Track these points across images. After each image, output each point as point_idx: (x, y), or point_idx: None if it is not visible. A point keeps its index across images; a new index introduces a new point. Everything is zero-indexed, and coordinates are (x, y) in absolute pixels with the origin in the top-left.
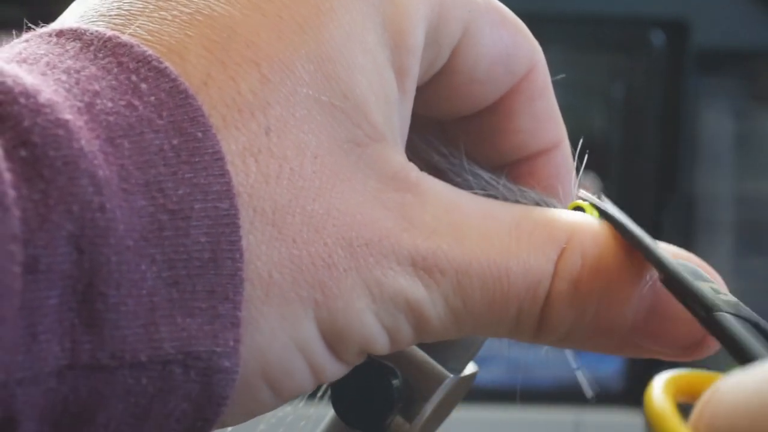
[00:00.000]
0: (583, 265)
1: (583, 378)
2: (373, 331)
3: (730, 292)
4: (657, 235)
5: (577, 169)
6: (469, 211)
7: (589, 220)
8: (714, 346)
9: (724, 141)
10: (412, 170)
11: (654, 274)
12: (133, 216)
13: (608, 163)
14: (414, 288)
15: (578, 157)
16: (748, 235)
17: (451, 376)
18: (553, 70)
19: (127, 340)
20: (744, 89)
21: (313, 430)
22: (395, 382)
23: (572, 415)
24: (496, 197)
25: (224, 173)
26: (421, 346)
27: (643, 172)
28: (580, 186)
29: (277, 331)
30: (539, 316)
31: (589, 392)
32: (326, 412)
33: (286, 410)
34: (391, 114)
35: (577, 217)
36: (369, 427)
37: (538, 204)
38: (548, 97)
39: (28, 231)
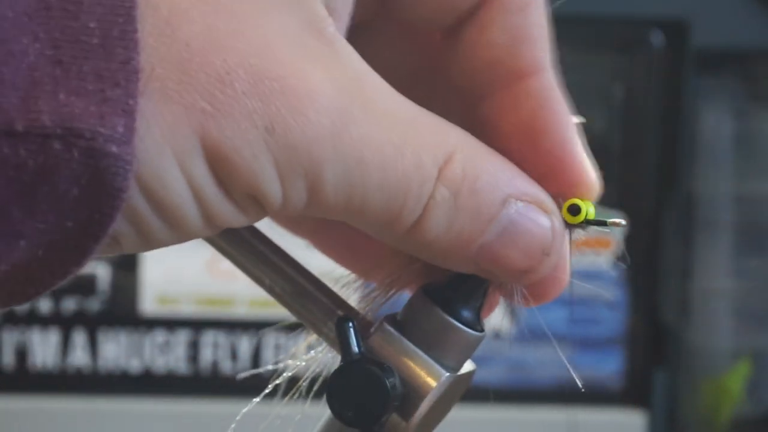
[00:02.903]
0: (464, 179)
1: (575, 374)
2: (266, 173)
3: (730, 291)
4: (657, 235)
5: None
6: (375, 84)
7: (472, 138)
8: (543, 273)
9: (723, 141)
10: (331, 26)
11: (517, 202)
12: None
13: (608, 163)
14: (322, 145)
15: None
16: (748, 235)
17: (447, 374)
18: (554, 70)
19: (1, 107)
20: (743, 89)
21: (310, 428)
22: (391, 380)
23: (572, 415)
24: None
25: None
26: (417, 343)
27: (642, 172)
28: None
29: (153, 129)
30: (419, 217)
31: (580, 386)
32: (323, 411)
33: (285, 409)
34: None
35: (463, 133)
36: (365, 425)
37: None
38: (529, 15)
39: None
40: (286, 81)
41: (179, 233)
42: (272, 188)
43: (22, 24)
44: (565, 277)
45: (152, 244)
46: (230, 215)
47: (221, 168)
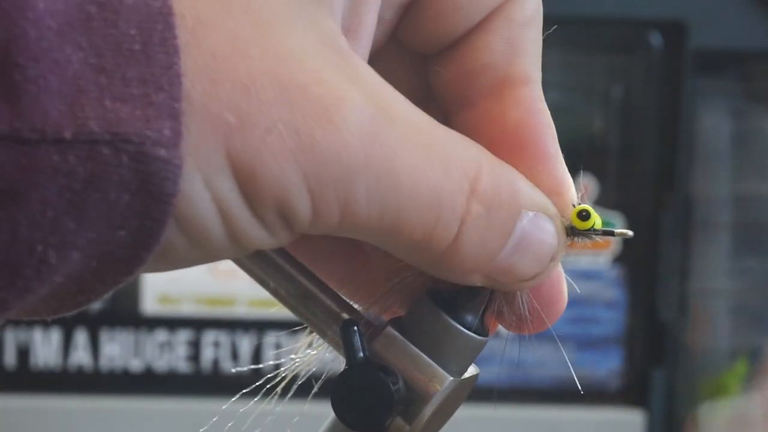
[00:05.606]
0: (494, 194)
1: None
2: (294, 186)
3: (728, 291)
4: (655, 235)
5: (577, 170)
6: (395, 97)
7: (488, 151)
8: (545, 277)
9: (721, 141)
10: (345, 42)
11: (528, 212)
12: (58, 1)
13: (607, 164)
14: (353, 153)
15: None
16: (746, 235)
17: (451, 378)
18: (553, 71)
19: (49, 115)
20: (742, 90)
21: (312, 429)
22: (395, 384)
23: (571, 415)
24: None
25: None
26: (421, 347)
27: (641, 172)
28: (579, 187)
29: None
30: (456, 233)
31: (579, 386)
32: (326, 410)
33: (284, 408)
34: None
35: (480, 146)
36: (369, 428)
37: None
38: (531, 31)
39: None
40: (312, 89)
41: (203, 253)
42: (302, 203)
43: (65, 33)
44: (564, 289)
45: (174, 264)
46: (258, 235)
47: (248, 183)
